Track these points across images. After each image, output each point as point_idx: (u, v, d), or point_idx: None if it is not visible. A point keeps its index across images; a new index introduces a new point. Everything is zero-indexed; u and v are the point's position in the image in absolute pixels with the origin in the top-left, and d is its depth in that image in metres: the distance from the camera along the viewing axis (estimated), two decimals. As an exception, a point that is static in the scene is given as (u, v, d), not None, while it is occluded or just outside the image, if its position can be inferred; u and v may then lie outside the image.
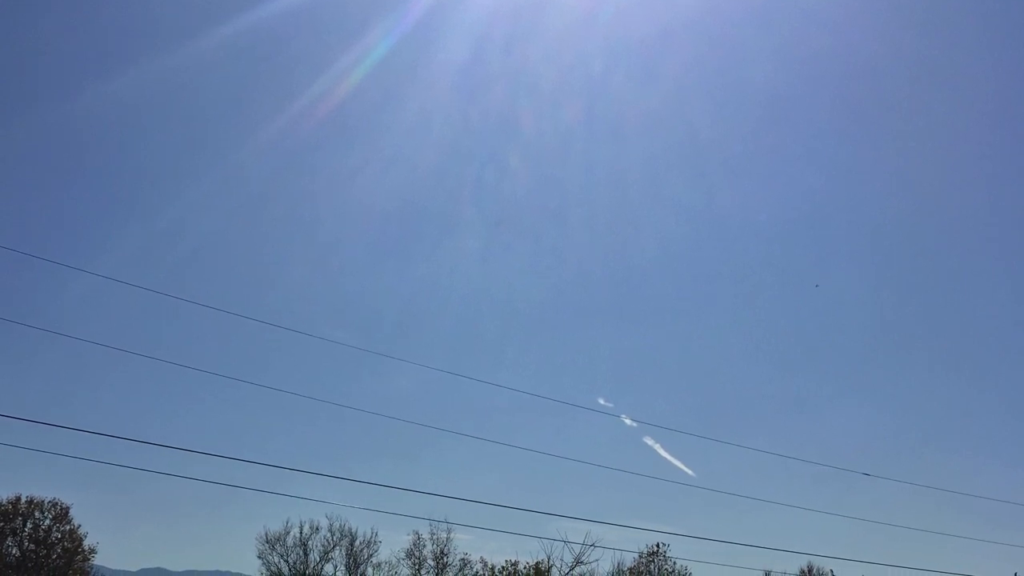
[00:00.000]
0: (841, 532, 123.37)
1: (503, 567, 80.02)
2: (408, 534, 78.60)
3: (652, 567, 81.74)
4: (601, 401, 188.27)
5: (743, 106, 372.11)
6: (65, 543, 79.55)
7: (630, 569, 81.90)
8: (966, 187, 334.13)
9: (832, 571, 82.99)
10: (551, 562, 77.53)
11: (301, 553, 77.61)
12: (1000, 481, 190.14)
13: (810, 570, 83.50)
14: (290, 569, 77.26)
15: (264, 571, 77.71)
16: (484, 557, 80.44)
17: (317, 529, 78.14)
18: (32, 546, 77.97)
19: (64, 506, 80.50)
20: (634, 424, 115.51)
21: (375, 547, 78.62)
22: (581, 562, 76.50)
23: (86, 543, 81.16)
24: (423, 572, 78.11)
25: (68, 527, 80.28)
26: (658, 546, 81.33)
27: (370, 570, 78.58)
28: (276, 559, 77.58)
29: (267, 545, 77.78)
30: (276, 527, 78.20)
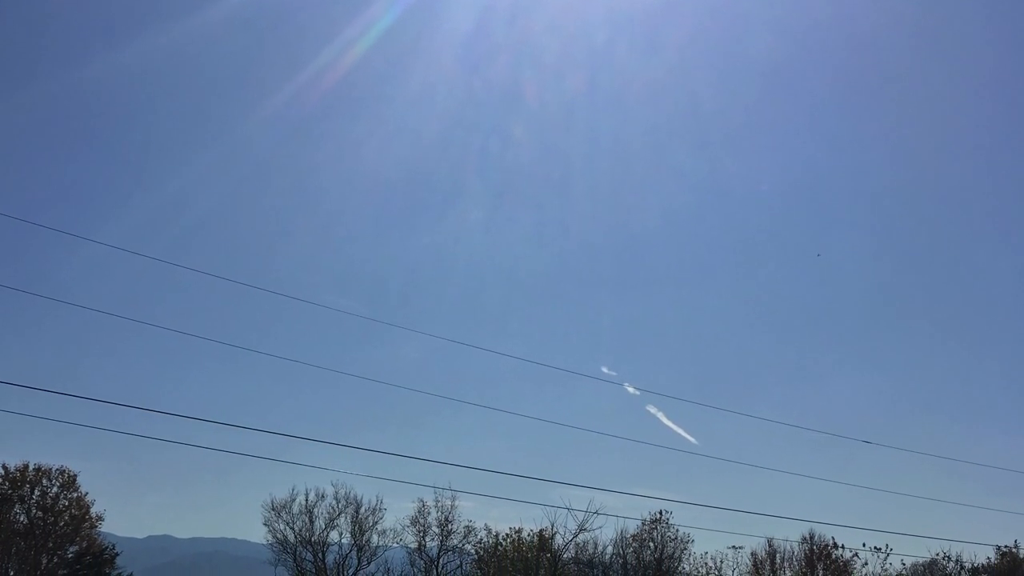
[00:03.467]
0: (842, 499, 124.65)
1: (507, 534, 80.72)
2: (413, 501, 79.05)
3: (655, 534, 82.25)
4: (604, 369, 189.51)
5: (745, 77, 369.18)
6: (72, 510, 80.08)
7: (633, 536, 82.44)
8: (965, 157, 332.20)
9: (833, 538, 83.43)
10: (555, 529, 78.25)
11: (307, 520, 78.15)
12: (999, 449, 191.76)
13: (811, 537, 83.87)
14: (296, 536, 77.83)
15: (270, 538, 78.34)
16: (488, 524, 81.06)
17: (323, 497, 78.59)
18: (40, 513, 78.53)
19: (71, 474, 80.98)
20: (637, 392, 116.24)
21: (380, 514, 79.11)
22: (584, 529, 77.19)
23: (93, 510, 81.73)
24: (428, 539, 78.69)
25: (75, 495, 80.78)
26: (661, 513, 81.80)
27: (375, 537, 79.15)
28: (282, 526, 78.15)
29: (273, 512, 78.31)
30: (282, 495, 78.71)
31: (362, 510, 78.77)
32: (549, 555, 79.57)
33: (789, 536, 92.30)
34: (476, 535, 79.97)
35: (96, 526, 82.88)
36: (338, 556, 78.62)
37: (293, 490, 78.36)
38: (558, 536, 78.73)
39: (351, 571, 78.45)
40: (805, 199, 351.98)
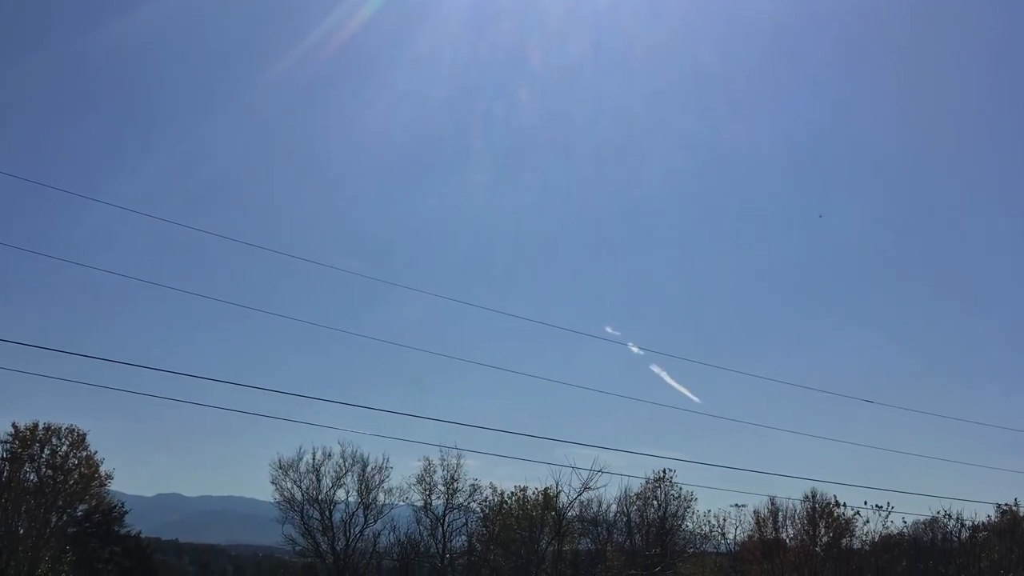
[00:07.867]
0: (844, 457, 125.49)
1: (512, 493, 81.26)
2: (419, 460, 79.20)
3: (658, 493, 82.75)
4: (608, 329, 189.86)
5: (748, 41, 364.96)
6: (82, 469, 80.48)
7: (637, 495, 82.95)
8: (966, 121, 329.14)
9: (835, 496, 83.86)
10: (559, 488, 78.71)
11: (314, 479, 78.57)
12: (999, 407, 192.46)
13: (813, 495, 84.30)
14: (303, 494, 78.32)
15: (277, 496, 78.87)
16: (494, 483, 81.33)
17: (330, 455, 78.80)
18: (49, 472, 79.01)
19: (81, 433, 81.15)
20: (641, 352, 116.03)
21: (386, 473, 79.33)
22: (589, 488, 77.60)
23: (102, 469, 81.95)
24: (433, 498, 79.23)
25: (84, 453, 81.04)
26: (664, 472, 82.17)
27: (381, 495, 79.58)
28: (289, 485, 78.54)
29: (280, 471, 78.66)
30: (289, 454, 78.94)
31: (368, 469, 79.19)
32: (554, 513, 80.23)
33: (791, 494, 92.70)
34: (481, 494, 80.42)
35: (105, 485, 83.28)
36: (345, 514, 79.19)
37: (300, 449, 78.70)
38: (563, 495, 79.29)
39: (357, 529, 79.13)
40: (807, 162, 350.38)
